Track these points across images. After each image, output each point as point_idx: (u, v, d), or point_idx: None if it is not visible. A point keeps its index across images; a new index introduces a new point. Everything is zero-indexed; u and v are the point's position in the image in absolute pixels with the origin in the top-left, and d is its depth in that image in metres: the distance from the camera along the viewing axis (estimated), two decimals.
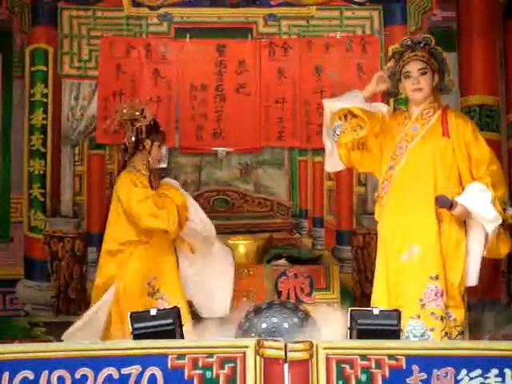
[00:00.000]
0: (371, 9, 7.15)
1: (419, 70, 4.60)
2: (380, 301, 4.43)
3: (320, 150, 6.17)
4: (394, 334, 3.38)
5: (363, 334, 3.37)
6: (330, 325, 4.01)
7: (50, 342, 5.42)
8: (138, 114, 5.36)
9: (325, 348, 3.17)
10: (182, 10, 7.21)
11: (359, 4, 6.19)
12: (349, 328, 3.49)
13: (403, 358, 3.15)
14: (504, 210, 4.43)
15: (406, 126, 4.64)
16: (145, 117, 5.33)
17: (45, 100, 7.06)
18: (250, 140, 7.19)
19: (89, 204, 7.20)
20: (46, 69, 7.09)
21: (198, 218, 5.40)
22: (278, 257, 6.71)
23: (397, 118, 4.74)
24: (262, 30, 7.32)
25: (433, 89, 4.64)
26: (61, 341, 4.97)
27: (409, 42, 4.67)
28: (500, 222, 4.40)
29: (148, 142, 5.35)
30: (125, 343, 3.36)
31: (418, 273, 4.41)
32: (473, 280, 4.50)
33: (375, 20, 7.20)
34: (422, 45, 4.65)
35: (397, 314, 3.48)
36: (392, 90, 4.79)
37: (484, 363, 3.13)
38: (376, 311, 3.44)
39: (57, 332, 5.52)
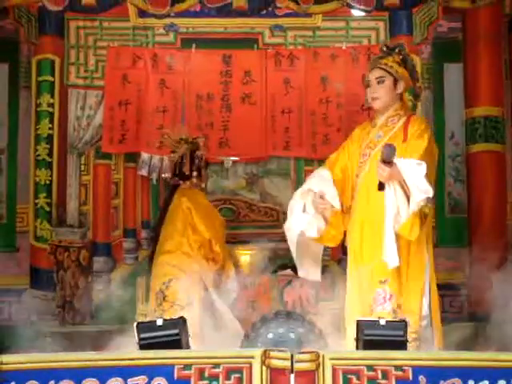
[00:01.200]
0: (377, 19, 7.16)
1: (376, 78, 4.58)
2: (352, 311, 4.38)
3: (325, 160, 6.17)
4: (401, 344, 3.37)
5: (370, 344, 3.36)
6: (336, 335, 4.01)
7: (56, 352, 5.41)
8: (198, 143, 6.00)
9: (331, 358, 3.15)
10: (188, 21, 7.23)
11: (365, 11, 6.18)
12: (355, 338, 3.48)
13: (410, 368, 3.14)
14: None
15: (370, 133, 4.62)
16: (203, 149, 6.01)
17: (51, 110, 7.09)
18: (256, 149, 7.20)
19: (94, 214, 7.21)
20: (52, 79, 7.11)
21: None
22: (284, 267, 6.69)
23: (365, 128, 4.71)
24: (267, 40, 7.34)
25: (396, 96, 4.59)
26: (67, 351, 4.96)
27: (384, 48, 4.67)
28: (431, 195, 4.24)
29: (207, 173, 6.09)
30: (131, 353, 3.35)
31: (370, 278, 4.36)
32: (391, 258, 4.28)
33: (381, 30, 7.22)
34: (396, 50, 4.63)
35: (404, 324, 3.47)
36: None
37: (491, 374, 3.11)
38: (383, 322, 3.43)
39: (63, 342, 5.51)
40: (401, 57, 4.64)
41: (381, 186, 4.25)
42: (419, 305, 4.39)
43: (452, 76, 7.18)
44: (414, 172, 4.22)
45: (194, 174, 5.90)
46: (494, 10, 6.79)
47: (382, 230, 4.32)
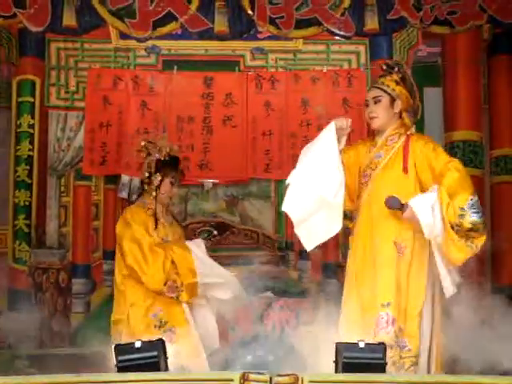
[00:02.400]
0: (358, 43, 7.21)
1: (373, 98, 4.58)
2: (351, 334, 4.19)
3: None
4: (380, 367, 3.37)
5: (349, 367, 3.36)
6: (316, 358, 3.99)
7: (33, 374, 5.37)
8: (153, 148, 5.24)
9: (310, 381, 3.15)
10: (170, 43, 7.25)
11: (345, 38, 6.24)
12: (334, 361, 3.47)
13: None
14: (461, 215, 4.25)
15: (371, 153, 4.61)
16: (160, 151, 5.23)
17: (31, 131, 7.06)
18: (237, 172, 7.20)
19: (74, 235, 7.17)
20: (32, 100, 7.09)
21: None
22: (264, 289, 6.69)
23: (366, 145, 4.71)
24: (249, 63, 7.38)
25: (394, 115, 4.59)
26: (44, 374, 4.91)
27: (384, 67, 4.68)
28: (437, 228, 4.25)
29: (157, 176, 5.18)
30: (108, 376, 3.33)
31: (372, 301, 4.33)
32: (448, 291, 4.32)
33: (361, 54, 7.27)
34: (395, 69, 4.63)
35: (383, 347, 3.47)
36: None
37: None
38: (362, 344, 3.43)
39: (40, 365, 5.46)
40: (400, 75, 4.64)
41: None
42: (418, 329, 4.35)
43: (431, 100, 7.22)
44: (423, 205, 4.26)
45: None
46: (473, 36, 6.85)
47: (384, 254, 4.36)
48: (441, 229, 4.24)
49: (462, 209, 4.26)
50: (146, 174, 5.18)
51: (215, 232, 4.93)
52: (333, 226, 4.45)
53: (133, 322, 4.95)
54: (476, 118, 7.01)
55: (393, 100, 4.58)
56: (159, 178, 5.15)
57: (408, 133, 4.61)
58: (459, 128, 6.97)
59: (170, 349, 3.60)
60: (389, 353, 4.12)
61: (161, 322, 4.95)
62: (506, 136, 7.13)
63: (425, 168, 4.44)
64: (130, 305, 4.99)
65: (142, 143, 5.29)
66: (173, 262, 4.92)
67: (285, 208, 4.49)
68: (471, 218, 4.25)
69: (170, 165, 5.22)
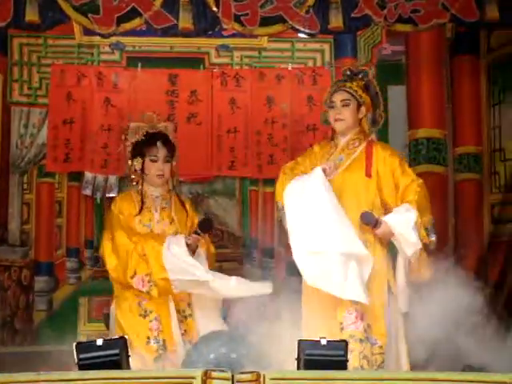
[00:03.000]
0: (322, 41, 7.23)
1: (341, 101, 4.64)
2: (314, 331, 4.32)
3: (271, 181, 6.20)
4: (341, 364, 3.39)
5: (311, 364, 3.37)
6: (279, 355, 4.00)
7: None
8: (130, 133, 5.02)
9: (272, 379, 3.16)
10: (134, 39, 7.20)
11: (310, 35, 6.25)
12: (297, 358, 3.48)
13: None
14: (427, 235, 4.45)
15: (331, 155, 4.66)
16: (134, 134, 4.97)
17: None
18: (202, 169, 7.19)
19: (37, 233, 7.11)
20: None
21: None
22: None
23: (323, 148, 4.75)
24: (214, 60, 7.36)
25: (358, 120, 4.67)
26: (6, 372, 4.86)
27: (348, 73, 4.73)
28: (419, 247, 4.41)
29: (137, 161, 4.92)
30: (69, 374, 3.30)
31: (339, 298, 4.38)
32: (404, 306, 4.47)
33: (326, 53, 7.30)
34: (360, 76, 4.70)
35: (344, 344, 3.48)
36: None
37: None
38: (323, 342, 3.44)
39: (1, 363, 5.41)
40: (363, 82, 4.71)
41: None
42: (385, 326, 4.43)
43: (396, 98, 7.26)
44: (403, 223, 4.39)
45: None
46: (436, 35, 6.90)
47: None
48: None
49: (427, 229, 4.48)
50: (129, 162, 4.96)
51: (198, 230, 4.78)
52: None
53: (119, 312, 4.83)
54: (439, 115, 7.08)
55: (359, 106, 4.65)
56: (140, 161, 4.91)
57: (369, 139, 4.68)
58: (423, 126, 7.03)
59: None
60: (359, 347, 4.26)
61: (146, 311, 4.80)
62: (469, 134, 7.19)
63: (388, 178, 4.55)
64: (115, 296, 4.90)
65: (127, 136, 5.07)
66: (145, 255, 4.74)
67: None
68: (432, 238, 4.49)
69: (146, 143, 4.94)
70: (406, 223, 4.39)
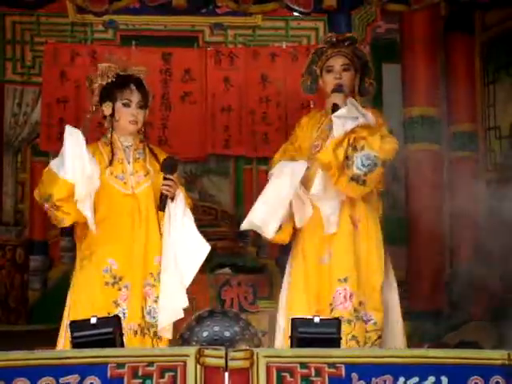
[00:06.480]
0: (316, 19, 7.21)
1: (342, 65, 4.47)
2: (299, 308, 4.29)
3: (265, 159, 6.20)
4: (334, 342, 3.39)
5: (304, 342, 3.38)
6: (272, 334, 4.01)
7: None
8: (96, 76, 4.38)
9: (265, 356, 3.16)
10: (128, 18, 7.18)
11: (304, 14, 6.23)
12: (290, 336, 3.49)
13: (343, 366, 3.16)
14: (347, 157, 4.23)
15: (322, 124, 4.53)
16: (102, 75, 4.34)
17: None
18: (196, 148, 7.18)
19: (31, 212, 7.12)
20: None
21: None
22: (222, 265, 6.70)
23: (313, 118, 4.61)
24: (208, 38, 7.34)
25: (353, 88, 4.52)
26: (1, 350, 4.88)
27: (333, 39, 4.53)
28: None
29: (107, 105, 4.34)
30: (63, 352, 3.32)
31: (328, 276, 4.31)
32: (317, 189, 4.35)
33: (320, 31, 7.28)
34: (346, 43, 4.53)
35: (337, 322, 3.49)
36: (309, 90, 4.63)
37: (421, 371, 3.15)
38: (317, 319, 3.44)
39: None
40: (354, 49, 4.54)
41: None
42: (381, 302, 4.34)
43: (390, 76, 7.26)
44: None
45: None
46: (430, 13, 6.87)
47: (340, 227, 4.32)
48: None
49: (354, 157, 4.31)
50: (93, 108, 4.41)
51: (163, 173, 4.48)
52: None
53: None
54: (434, 93, 7.06)
55: (355, 73, 4.53)
56: (110, 106, 4.34)
57: None
58: (418, 104, 7.01)
59: None
60: (347, 328, 4.18)
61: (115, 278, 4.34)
62: (464, 112, 7.18)
63: None
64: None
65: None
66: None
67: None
68: (355, 170, 4.30)
69: (117, 85, 4.34)
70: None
